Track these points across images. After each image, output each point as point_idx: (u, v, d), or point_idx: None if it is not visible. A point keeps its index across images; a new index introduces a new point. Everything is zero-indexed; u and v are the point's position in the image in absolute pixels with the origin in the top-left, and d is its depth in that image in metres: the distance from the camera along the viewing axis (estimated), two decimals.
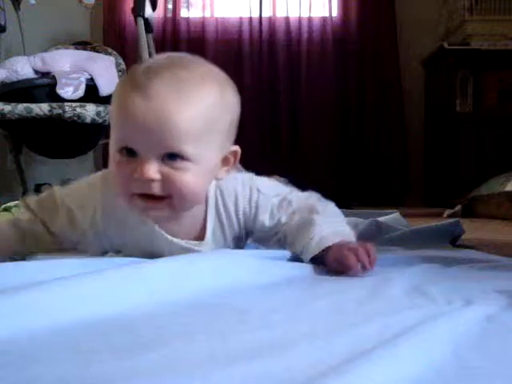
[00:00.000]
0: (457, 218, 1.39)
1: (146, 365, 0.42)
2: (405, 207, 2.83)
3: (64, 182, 3.44)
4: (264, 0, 3.54)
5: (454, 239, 1.26)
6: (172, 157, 0.76)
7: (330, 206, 0.92)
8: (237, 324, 0.55)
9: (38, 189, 2.95)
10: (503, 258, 1.02)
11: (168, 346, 0.47)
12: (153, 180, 0.75)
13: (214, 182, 0.87)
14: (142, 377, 0.40)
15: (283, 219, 0.89)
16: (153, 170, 0.75)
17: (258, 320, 0.56)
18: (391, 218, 1.58)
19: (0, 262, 0.74)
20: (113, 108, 0.80)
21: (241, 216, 0.89)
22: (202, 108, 0.77)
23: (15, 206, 1.64)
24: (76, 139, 2.77)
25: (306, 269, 0.89)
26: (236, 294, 0.69)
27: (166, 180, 0.76)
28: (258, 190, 0.89)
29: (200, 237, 0.89)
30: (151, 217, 0.83)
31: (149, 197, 0.78)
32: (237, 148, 0.85)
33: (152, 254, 0.84)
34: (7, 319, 0.51)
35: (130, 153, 0.76)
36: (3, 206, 1.63)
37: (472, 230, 1.62)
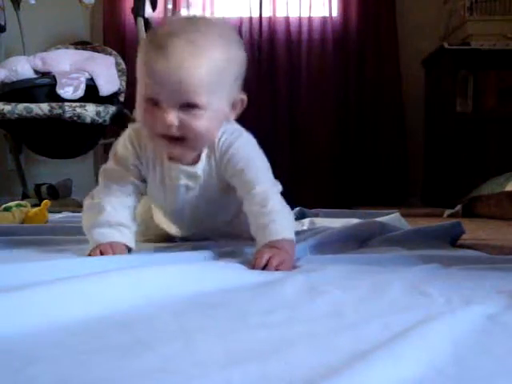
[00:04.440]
0: (457, 220, 1.39)
1: (145, 365, 0.42)
2: (405, 207, 2.83)
3: (64, 182, 3.43)
4: (264, 0, 3.54)
5: (454, 239, 1.26)
6: (188, 106, 0.92)
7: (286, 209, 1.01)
8: (236, 324, 0.55)
9: (38, 189, 2.95)
10: (503, 257, 1.02)
11: (167, 346, 0.47)
12: (172, 124, 0.92)
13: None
14: (140, 377, 0.40)
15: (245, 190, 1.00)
16: (172, 116, 0.92)
17: (256, 320, 0.56)
18: (391, 217, 1.58)
19: None
20: (139, 64, 0.96)
21: (220, 148, 1.02)
22: (212, 65, 0.92)
23: (15, 205, 1.64)
24: (76, 139, 2.77)
25: (302, 269, 0.89)
26: (234, 294, 0.69)
27: (183, 125, 0.93)
28: (239, 148, 1.02)
29: (194, 162, 1.04)
30: (170, 154, 1.01)
31: (169, 138, 0.94)
32: (244, 96, 1.02)
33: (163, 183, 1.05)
34: (7, 319, 0.51)
35: (154, 102, 0.93)
36: (3, 205, 1.63)
37: (472, 230, 1.62)
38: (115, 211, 1.02)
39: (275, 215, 0.96)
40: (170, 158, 1.02)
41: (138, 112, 0.97)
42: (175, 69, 0.90)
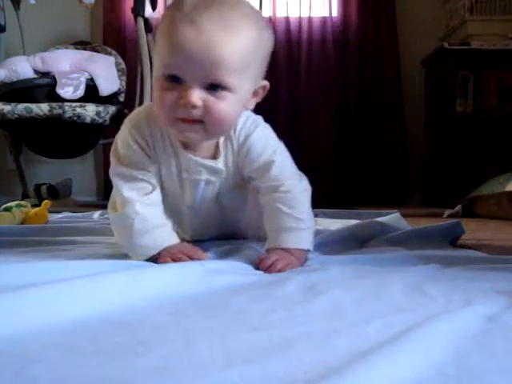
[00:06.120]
0: (457, 219, 1.39)
1: (145, 365, 0.42)
2: (405, 207, 2.83)
3: (64, 182, 3.42)
4: (264, 0, 3.54)
5: (454, 239, 1.26)
6: (214, 86, 0.83)
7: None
8: (236, 324, 0.55)
9: (38, 189, 2.95)
10: (503, 257, 1.02)
11: (167, 346, 0.47)
12: (195, 105, 0.83)
13: None
14: (140, 377, 0.40)
15: (267, 177, 0.96)
16: (197, 96, 0.83)
17: (256, 320, 0.56)
18: (391, 218, 1.58)
19: None
20: (161, 37, 0.86)
21: (238, 138, 0.95)
22: (243, 43, 0.84)
23: (15, 205, 1.64)
24: (76, 139, 2.77)
25: (302, 269, 0.89)
26: (234, 294, 0.69)
27: (205, 107, 0.84)
28: (259, 133, 0.96)
29: (214, 156, 0.97)
30: (187, 138, 0.91)
31: (188, 121, 0.85)
32: (266, 83, 0.93)
33: (179, 179, 0.97)
34: (7, 319, 0.51)
35: (175, 80, 0.83)
36: (3, 205, 1.63)
37: (472, 229, 1.62)
38: (150, 215, 0.92)
39: (301, 223, 0.94)
40: (185, 147, 0.94)
41: (154, 92, 0.87)
42: (206, 43, 0.80)
